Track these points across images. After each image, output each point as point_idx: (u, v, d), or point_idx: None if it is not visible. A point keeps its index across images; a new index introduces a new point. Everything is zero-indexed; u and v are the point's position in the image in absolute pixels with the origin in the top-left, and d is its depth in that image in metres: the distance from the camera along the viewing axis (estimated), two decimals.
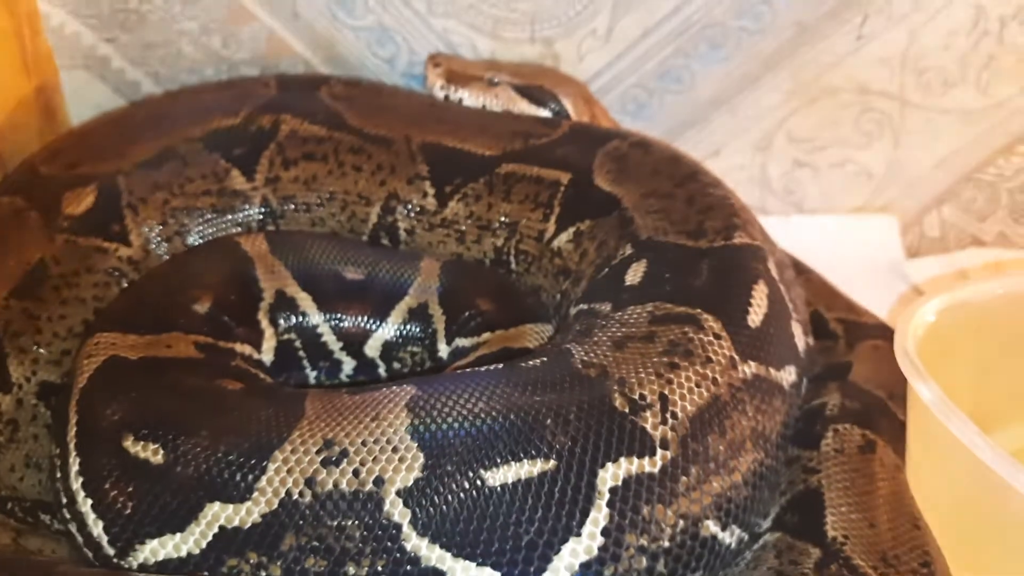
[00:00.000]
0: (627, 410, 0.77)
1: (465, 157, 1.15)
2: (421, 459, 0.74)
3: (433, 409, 0.77)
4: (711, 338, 0.85)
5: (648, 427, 0.77)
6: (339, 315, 1.04)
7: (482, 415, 0.76)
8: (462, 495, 0.73)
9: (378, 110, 1.21)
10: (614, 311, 0.90)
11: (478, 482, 0.74)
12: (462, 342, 1.04)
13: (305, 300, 1.03)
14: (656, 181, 1.09)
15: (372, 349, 1.06)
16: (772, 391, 0.87)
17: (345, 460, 0.74)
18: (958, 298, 0.90)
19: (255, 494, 0.74)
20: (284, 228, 1.15)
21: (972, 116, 1.39)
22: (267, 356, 1.01)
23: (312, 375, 1.06)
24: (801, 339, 0.96)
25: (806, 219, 1.45)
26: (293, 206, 1.15)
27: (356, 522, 0.73)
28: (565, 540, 0.74)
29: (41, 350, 0.95)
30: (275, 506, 0.74)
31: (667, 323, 0.86)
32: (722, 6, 1.30)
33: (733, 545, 0.81)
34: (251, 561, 0.74)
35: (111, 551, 0.78)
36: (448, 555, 0.73)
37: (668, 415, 0.78)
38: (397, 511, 0.73)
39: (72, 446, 0.82)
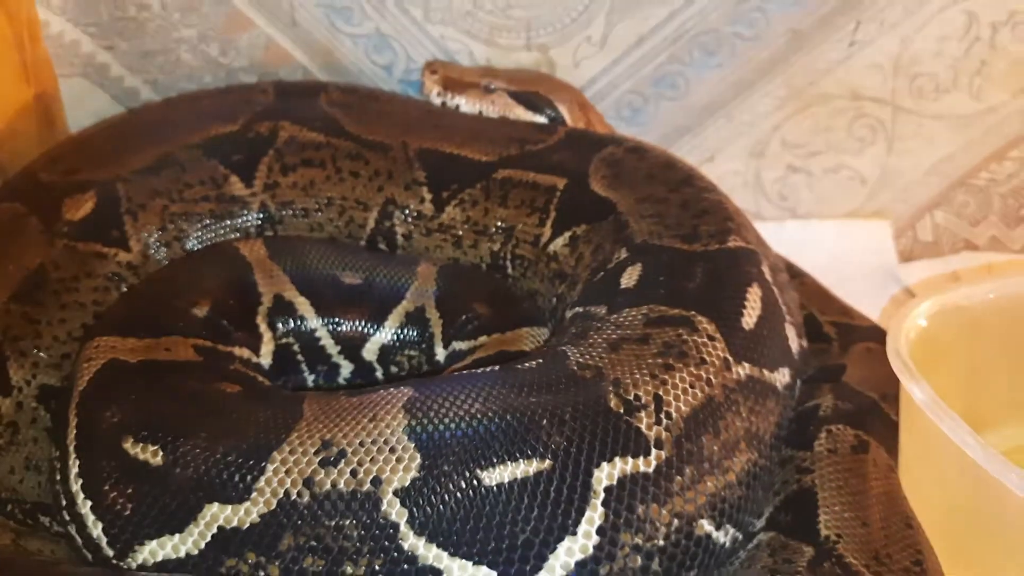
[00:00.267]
0: (622, 411, 0.78)
1: (462, 163, 1.16)
2: (418, 459, 0.75)
3: (430, 410, 0.78)
4: (705, 340, 0.86)
5: (643, 427, 0.78)
6: (337, 319, 1.05)
7: (478, 416, 0.77)
8: (459, 495, 0.74)
9: (375, 116, 1.22)
10: (609, 314, 0.91)
11: (475, 482, 0.74)
12: (459, 346, 1.05)
13: (303, 304, 1.04)
14: (651, 186, 1.10)
15: (370, 353, 1.07)
16: (766, 392, 0.88)
17: (343, 460, 0.75)
18: (950, 301, 0.91)
19: (254, 495, 0.75)
20: (282, 233, 1.16)
21: (964, 121, 1.40)
22: (265, 360, 1.02)
23: (310, 379, 1.07)
24: (795, 341, 0.97)
25: (801, 224, 1.46)
26: (291, 211, 1.16)
27: (354, 522, 0.74)
28: (561, 539, 0.75)
29: (41, 354, 0.96)
30: (273, 506, 0.74)
31: (661, 325, 0.87)
32: (716, 13, 1.32)
33: (727, 544, 0.82)
34: (249, 561, 0.75)
35: (110, 552, 0.79)
36: (445, 554, 0.74)
37: (663, 415, 0.79)
38: (394, 511, 0.74)
39: (72, 448, 0.83)
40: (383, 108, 1.25)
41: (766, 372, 0.88)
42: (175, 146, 1.16)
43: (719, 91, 1.38)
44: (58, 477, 0.84)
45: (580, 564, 0.75)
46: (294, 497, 0.74)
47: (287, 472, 0.75)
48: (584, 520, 0.75)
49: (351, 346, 1.06)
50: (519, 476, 0.75)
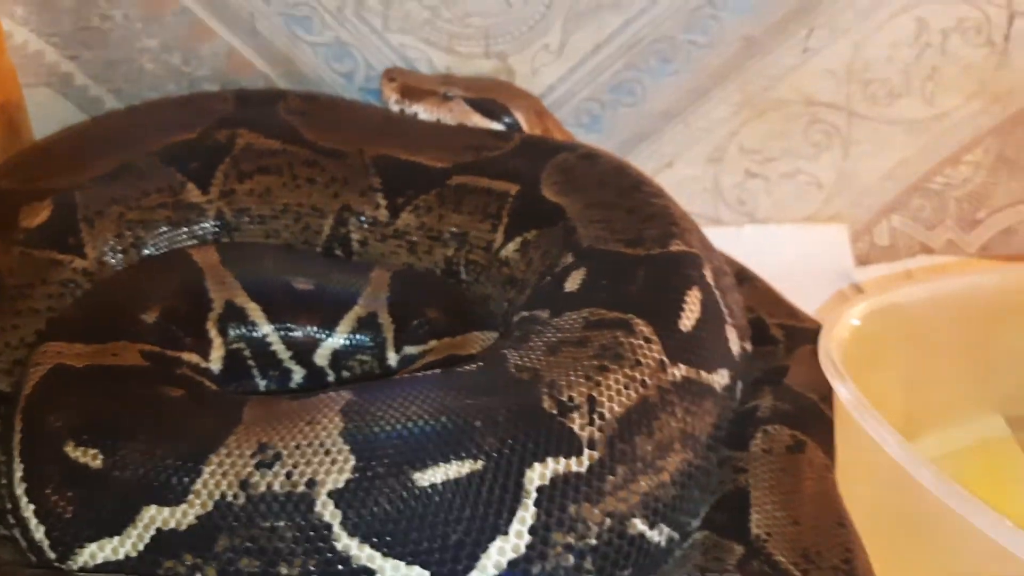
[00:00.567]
0: (555, 411, 0.80)
1: (417, 169, 1.18)
2: (352, 461, 0.76)
3: (367, 413, 0.79)
4: (641, 342, 0.87)
5: (576, 428, 0.79)
6: (288, 325, 1.06)
7: (413, 418, 0.79)
8: (392, 496, 0.75)
9: (333, 124, 1.24)
10: (552, 317, 0.93)
11: (408, 483, 0.76)
12: (410, 350, 1.06)
13: (254, 310, 1.05)
14: (601, 192, 1.11)
15: (322, 358, 1.08)
16: (703, 393, 0.89)
17: (278, 463, 0.76)
18: (885, 302, 0.92)
19: (190, 496, 0.76)
20: (239, 240, 1.17)
21: (918, 126, 1.42)
22: (215, 365, 1.03)
23: (262, 384, 1.08)
24: (736, 344, 0.98)
25: (758, 229, 1.47)
26: (248, 218, 1.18)
27: (288, 523, 0.75)
28: (493, 539, 0.76)
29: None
30: (210, 508, 0.75)
31: (600, 328, 0.89)
32: (670, 20, 1.33)
33: (663, 544, 0.83)
34: (187, 563, 0.76)
35: (52, 555, 0.80)
36: (378, 555, 0.75)
37: (595, 416, 0.80)
38: (328, 512, 0.75)
39: (16, 453, 0.84)
40: (341, 115, 1.27)
41: (703, 373, 0.90)
42: (134, 154, 1.17)
43: (676, 98, 1.40)
44: (3, 481, 0.85)
45: (512, 563, 0.76)
46: (230, 499, 0.75)
47: (223, 474, 0.76)
48: (516, 520, 0.76)
49: (302, 351, 1.07)
50: (452, 477, 0.76)
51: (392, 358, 1.09)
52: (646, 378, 0.85)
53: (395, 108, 1.29)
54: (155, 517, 0.76)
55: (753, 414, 0.93)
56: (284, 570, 0.75)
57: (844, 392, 0.80)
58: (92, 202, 1.11)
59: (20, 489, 0.82)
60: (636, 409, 0.83)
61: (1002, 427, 0.93)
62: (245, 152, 1.19)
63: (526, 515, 0.76)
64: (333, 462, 0.76)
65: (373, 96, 1.37)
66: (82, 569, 0.79)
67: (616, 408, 0.82)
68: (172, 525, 0.76)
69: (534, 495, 0.77)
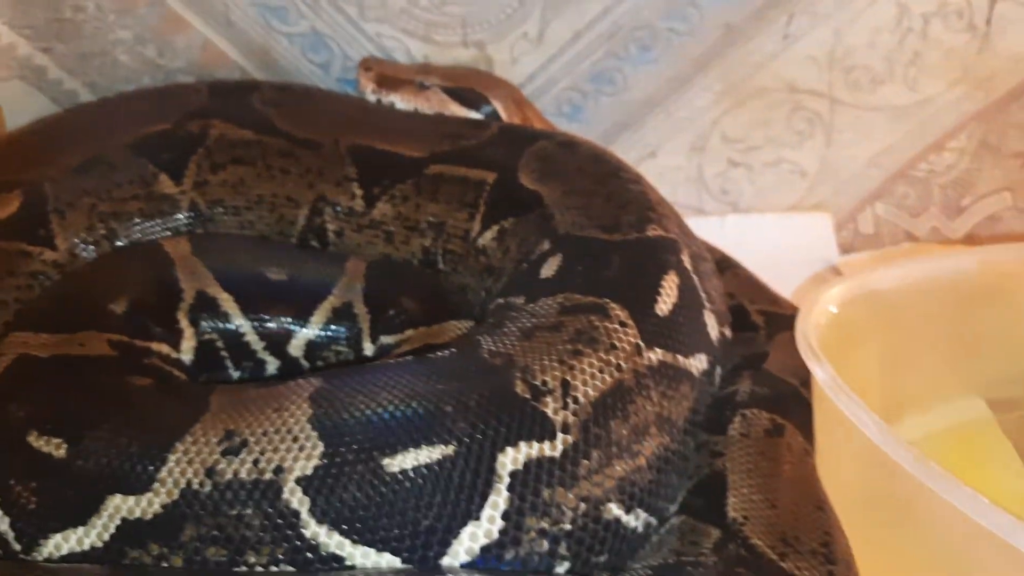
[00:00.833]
0: (528, 396, 0.78)
1: (393, 159, 1.16)
2: (320, 447, 0.75)
3: (336, 400, 0.78)
4: (616, 326, 0.86)
5: (549, 412, 0.78)
6: (261, 315, 1.05)
7: (383, 404, 0.77)
8: (361, 482, 0.74)
9: (308, 114, 1.22)
10: (527, 303, 0.92)
11: (377, 469, 0.74)
12: (386, 340, 1.05)
13: (227, 301, 1.04)
14: (578, 179, 1.10)
15: (296, 349, 1.06)
16: (679, 378, 0.88)
17: (245, 450, 0.75)
18: (861, 286, 0.91)
19: (156, 485, 0.74)
20: (213, 232, 1.15)
21: (901, 113, 1.41)
22: (187, 356, 1.02)
23: (235, 375, 1.06)
24: (715, 329, 0.97)
25: (742, 218, 1.46)
26: (222, 209, 1.16)
27: (255, 511, 0.74)
28: (464, 524, 0.74)
29: None
30: (176, 497, 0.74)
31: (575, 313, 0.87)
32: (649, 8, 1.32)
33: (640, 529, 0.82)
34: (153, 552, 0.74)
35: (17, 546, 0.78)
36: (347, 542, 0.74)
37: (569, 400, 0.79)
38: (296, 499, 0.73)
39: None
40: (316, 105, 1.25)
41: (680, 358, 0.89)
42: (106, 145, 1.15)
43: (657, 86, 1.39)
44: None
45: (485, 549, 0.75)
46: (196, 487, 0.74)
47: (189, 462, 0.75)
48: (488, 505, 0.75)
49: (276, 342, 1.06)
50: (422, 462, 0.75)
51: (368, 348, 1.07)
52: (621, 362, 0.83)
53: (372, 98, 1.28)
54: (120, 507, 0.75)
55: (732, 398, 0.92)
56: (252, 558, 0.74)
57: (821, 374, 0.79)
58: (63, 193, 1.10)
59: None
60: (611, 393, 0.81)
61: (983, 409, 0.92)
62: (218, 143, 1.17)
63: (499, 500, 0.75)
64: (301, 448, 0.75)
65: (350, 86, 1.35)
66: (47, 560, 0.77)
67: (591, 392, 0.80)
68: (137, 514, 0.74)
69: (507, 480, 0.75)
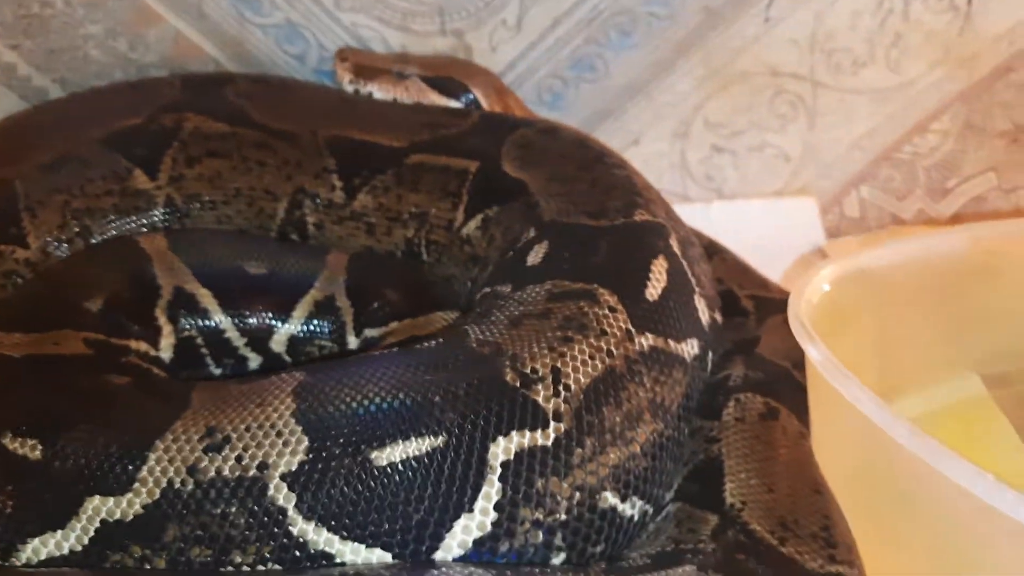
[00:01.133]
0: (518, 384, 0.76)
1: (373, 149, 1.14)
2: (306, 442, 0.72)
3: (320, 393, 0.76)
4: (606, 311, 0.84)
5: (540, 400, 0.76)
6: (242, 311, 1.02)
7: (369, 396, 0.75)
8: (349, 477, 0.72)
9: (284, 105, 1.20)
10: (514, 291, 0.90)
11: (365, 463, 0.72)
12: (371, 333, 1.03)
13: (205, 296, 1.01)
14: (562, 165, 1.08)
15: (278, 344, 1.04)
16: (671, 363, 0.86)
17: (228, 447, 0.72)
18: (852, 265, 0.90)
19: (136, 485, 0.72)
20: (191, 227, 1.13)
21: (884, 95, 1.40)
22: (166, 353, 0.99)
23: (217, 372, 1.04)
24: (705, 313, 0.96)
25: (727, 205, 1.45)
26: (199, 204, 1.13)
27: (240, 509, 0.71)
28: (457, 517, 0.73)
29: None
30: (157, 496, 0.72)
31: (564, 299, 0.86)
32: None
33: (636, 518, 0.80)
34: (135, 554, 0.72)
35: None
36: (336, 538, 0.71)
37: (560, 387, 0.77)
38: (282, 495, 0.71)
39: None
40: (292, 97, 1.23)
41: (671, 343, 0.87)
42: (78, 141, 1.12)
43: (638, 72, 1.37)
44: None
45: (478, 542, 0.73)
46: (178, 486, 0.72)
47: (170, 460, 0.72)
48: (481, 496, 0.73)
49: (258, 338, 1.03)
50: (411, 454, 0.73)
51: (352, 342, 1.05)
52: (612, 348, 0.82)
53: (349, 88, 1.25)
54: (99, 508, 0.72)
55: (725, 383, 0.91)
56: (238, 558, 0.71)
57: (815, 353, 0.78)
58: (34, 191, 1.07)
59: None
60: (603, 380, 0.80)
61: (978, 386, 0.91)
62: (193, 136, 1.15)
63: (491, 491, 0.73)
64: (285, 444, 0.73)
65: (327, 78, 1.33)
66: (26, 565, 0.74)
67: (582, 379, 0.79)
68: (118, 516, 0.72)
69: (499, 470, 0.74)
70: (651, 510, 0.82)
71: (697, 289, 0.96)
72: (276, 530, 0.71)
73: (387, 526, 0.72)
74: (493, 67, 1.34)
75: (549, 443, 0.75)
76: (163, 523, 0.71)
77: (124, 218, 1.11)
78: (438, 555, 0.72)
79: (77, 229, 1.08)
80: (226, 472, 0.72)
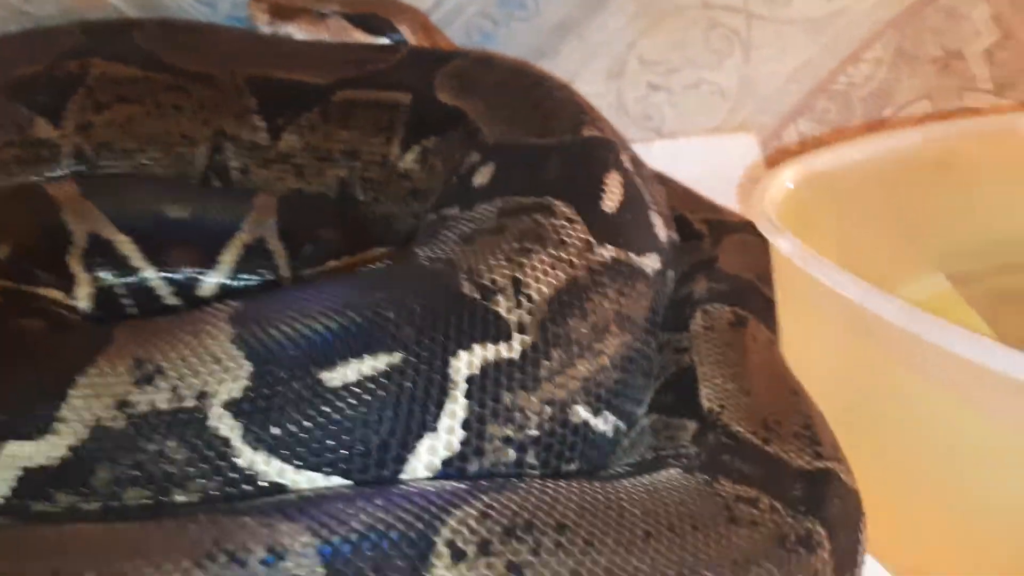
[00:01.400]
0: (477, 295, 0.71)
1: (296, 87, 1.07)
2: (248, 367, 0.65)
3: (261, 317, 0.69)
4: (563, 222, 0.79)
5: (502, 311, 0.71)
6: (164, 257, 0.94)
7: (315, 315, 0.68)
8: (299, 401, 0.65)
9: (197, 47, 1.12)
10: (462, 212, 0.84)
11: (316, 385, 0.65)
12: (307, 273, 0.96)
13: (124, 243, 0.93)
14: (501, 91, 1.03)
15: (207, 291, 0.96)
16: (634, 275, 0.82)
17: (160, 377, 0.65)
18: (812, 167, 0.86)
19: (57, 425, 0.64)
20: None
21: (817, 25, 1.38)
22: (84, 303, 0.90)
23: None
24: (663, 230, 0.91)
25: (667, 144, 1.41)
26: (110, 153, 1.05)
27: (179, 443, 0.64)
28: (420, 437, 0.66)
29: None
30: (84, 436, 0.64)
31: (517, 214, 0.80)
32: None
33: (609, 433, 0.75)
34: (62, 503, 0.64)
35: None
36: (289, 468, 0.65)
37: (522, 298, 0.72)
38: (224, 425, 0.64)
39: None
40: (206, 39, 1.15)
41: (632, 256, 0.82)
42: None
43: (568, 9, 1.33)
44: None
45: (446, 463, 0.67)
46: (106, 423, 0.64)
47: (96, 396, 0.64)
48: (445, 414, 0.67)
49: (185, 285, 0.96)
50: (366, 373, 0.66)
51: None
52: (573, 258, 0.77)
53: (267, 30, 1.17)
54: (17, 454, 0.64)
55: (689, 298, 0.86)
56: (180, 497, 0.64)
57: (786, 245, 0.74)
58: None
59: None
60: (566, 290, 0.74)
61: (944, 284, 0.88)
62: (100, 81, 1.06)
63: (456, 408, 0.67)
64: (226, 370, 0.65)
65: (241, 24, 1.25)
66: None
67: (544, 289, 0.73)
68: (40, 461, 0.64)
69: (463, 386, 0.68)
70: (624, 426, 0.77)
71: (652, 206, 0.92)
72: (221, 463, 0.64)
73: (345, 452, 0.65)
74: (418, 5, 1.28)
75: (515, 356, 0.70)
76: (92, 465, 0.64)
77: (28, 170, 1.02)
78: (403, 479, 0.66)
79: None
80: (160, 404, 0.64)
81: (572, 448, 0.72)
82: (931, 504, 0.68)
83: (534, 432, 0.70)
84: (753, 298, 0.87)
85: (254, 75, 1.07)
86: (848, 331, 0.70)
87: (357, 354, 0.67)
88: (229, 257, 0.97)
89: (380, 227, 1.02)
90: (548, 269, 0.75)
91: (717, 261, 0.95)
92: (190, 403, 0.64)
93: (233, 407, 0.64)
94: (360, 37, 1.18)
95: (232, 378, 0.65)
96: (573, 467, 0.72)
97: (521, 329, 0.71)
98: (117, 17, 1.23)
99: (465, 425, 0.67)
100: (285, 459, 0.65)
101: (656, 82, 1.39)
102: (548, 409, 0.71)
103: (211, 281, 0.96)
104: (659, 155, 1.40)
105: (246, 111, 1.06)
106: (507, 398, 0.69)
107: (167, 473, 0.64)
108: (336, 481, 0.65)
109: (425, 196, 1.00)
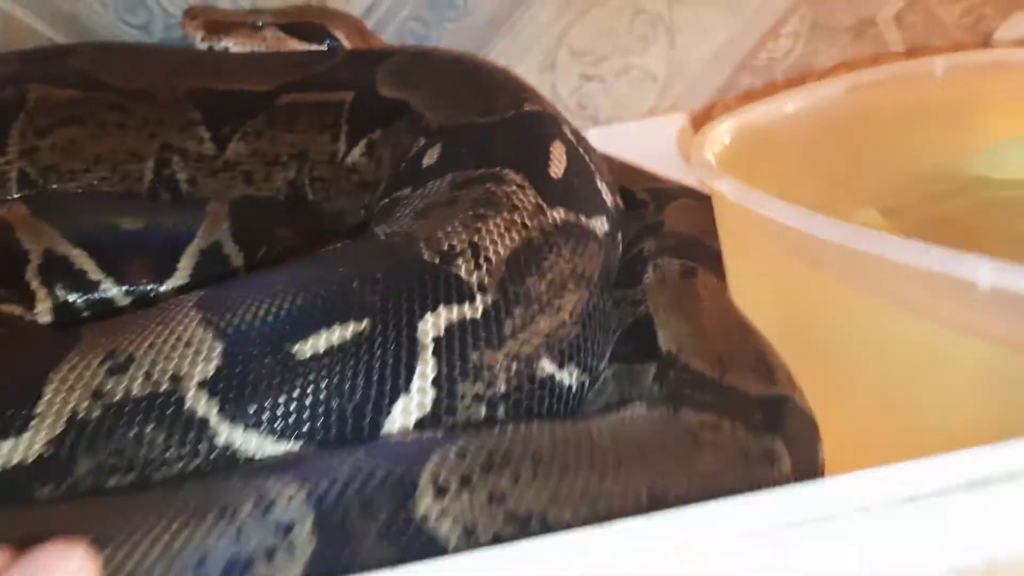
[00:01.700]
0: (438, 261, 0.73)
1: (239, 96, 1.09)
2: (220, 347, 0.67)
3: (227, 300, 0.71)
4: (514, 188, 0.82)
5: (462, 274, 0.73)
6: (121, 269, 0.95)
7: (280, 292, 0.70)
8: (272, 374, 0.67)
9: (136, 67, 1.13)
10: (415, 192, 0.86)
11: (287, 358, 0.67)
12: None
13: (80, 257, 0.94)
14: (441, 80, 1.06)
15: (167, 298, 0.97)
16: (586, 236, 0.84)
17: (133, 365, 0.66)
18: (748, 120, 0.90)
19: (34, 422, 0.65)
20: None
21: (735, 5, 1.43)
22: (44, 317, 0.91)
23: None
24: (608, 196, 0.94)
25: (603, 131, 1.45)
26: (56, 175, 1.05)
27: (157, 426, 0.65)
28: (394, 400, 0.68)
29: None
30: (61, 429, 0.64)
31: (469, 185, 0.83)
32: None
33: (574, 387, 0.78)
34: (45, 497, 0.65)
35: None
36: (267, 441, 0.66)
37: (481, 260, 0.74)
38: (201, 405, 0.65)
39: None
40: (143, 58, 1.16)
41: (583, 217, 0.85)
42: None
43: (497, 6, 1.36)
44: None
45: (419, 424, 0.69)
46: (83, 415, 0.65)
47: (70, 390, 0.65)
48: (416, 376, 0.69)
49: (143, 295, 0.96)
50: (335, 343, 0.68)
51: None
52: (526, 220, 0.79)
53: (203, 47, 1.19)
54: None
55: (640, 256, 0.90)
56: (162, 479, 0.65)
57: (727, 186, 0.77)
58: None
59: None
60: (521, 251, 0.77)
61: (876, 217, 0.92)
62: (40, 106, 1.06)
63: (426, 369, 0.69)
64: (197, 352, 0.67)
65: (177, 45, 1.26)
66: None
67: (501, 250, 0.76)
68: (20, 458, 0.64)
69: (431, 347, 0.70)
70: (587, 381, 0.80)
71: (597, 174, 0.95)
72: (201, 442, 0.65)
73: (321, 420, 0.67)
74: (352, 13, 1.30)
75: (478, 315, 0.72)
76: (73, 457, 0.64)
77: None
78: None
79: None
80: (136, 391, 0.65)
81: (540, 402, 0.74)
82: (868, 406, 0.72)
83: (503, 388, 0.72)
84: (700, 251, 0.90)
85: (194, 88, 1.09)
86: (786, 256, 0.74)
87: (326, 324, 0.69)
88: (186, 264, 0.98)
89: (332, 224, 1.04)
90: (503, 232, 0.77)
91: (662, 225, 0.99)
92: (165, 387, 0.65)
93: (208, 386, 0.66)
94: (297, 46, 1.20)
95: (204, 359, 0.66)
96: None
97: (482, 289, 0.73)
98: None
99: (435, 384, 0.69)
100: (263, 433, 0.66)
101: (587, 72, 1.43)
102: (515, 365, 0.73)
103: (169, 289, 0.97)
104: (596, 142, 1.44)
105: (190, 124, 1.07)
106: (474, 356, 0.71)
107: (148, 458, 0.65)
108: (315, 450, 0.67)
109: (374, 187, 1.02)
